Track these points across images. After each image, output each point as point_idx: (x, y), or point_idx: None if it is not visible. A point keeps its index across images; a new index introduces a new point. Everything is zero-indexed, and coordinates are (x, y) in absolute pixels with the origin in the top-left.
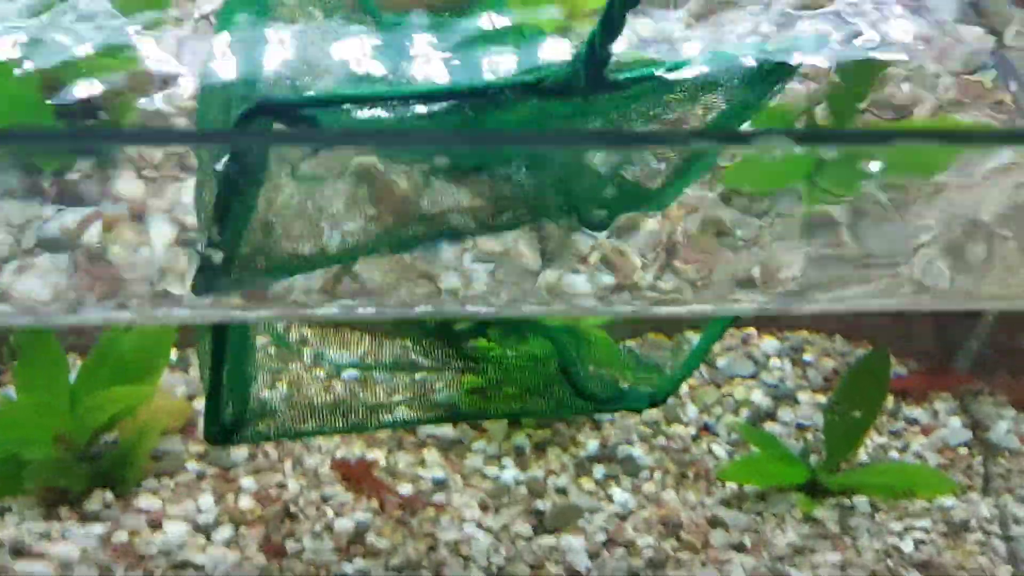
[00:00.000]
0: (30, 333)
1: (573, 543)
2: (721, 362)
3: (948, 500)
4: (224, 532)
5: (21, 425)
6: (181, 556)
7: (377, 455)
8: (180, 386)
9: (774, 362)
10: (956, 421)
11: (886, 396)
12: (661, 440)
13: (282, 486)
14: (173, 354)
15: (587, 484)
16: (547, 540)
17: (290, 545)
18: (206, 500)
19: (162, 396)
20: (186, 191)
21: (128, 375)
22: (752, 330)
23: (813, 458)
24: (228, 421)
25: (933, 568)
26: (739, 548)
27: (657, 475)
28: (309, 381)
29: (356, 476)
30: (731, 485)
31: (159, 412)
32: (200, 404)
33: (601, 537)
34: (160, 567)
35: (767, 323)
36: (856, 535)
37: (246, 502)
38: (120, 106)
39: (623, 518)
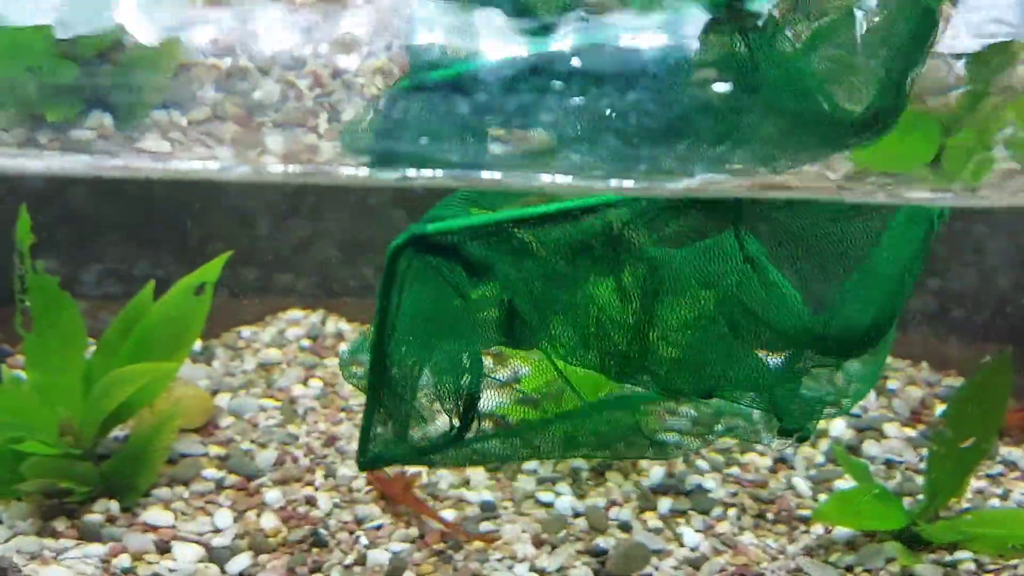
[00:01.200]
0: (48, 299)
1: None
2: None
3: None
4: (241, 562)
5: (24, 411)
6: None
7: (419, 469)
8: (202, 379)
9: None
10: None
11: (1001, 422)
12: (735, 471)
13: (311, 502)
14: (198, 344)
15: (652, 520)
16: None
17: None
18: (224, 517)
19: (184, 388)
20: None
21: (151, 352)
22: None
23: (906, 501)
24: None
25: None
26: None
27: (732, 513)
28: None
29: (394, 494)
30: (816, 529)
31: (180, 405)
32: (223, 400)
33: None
34: None
35: None
36: None
37: (269, 521)
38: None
39: (696, 566)
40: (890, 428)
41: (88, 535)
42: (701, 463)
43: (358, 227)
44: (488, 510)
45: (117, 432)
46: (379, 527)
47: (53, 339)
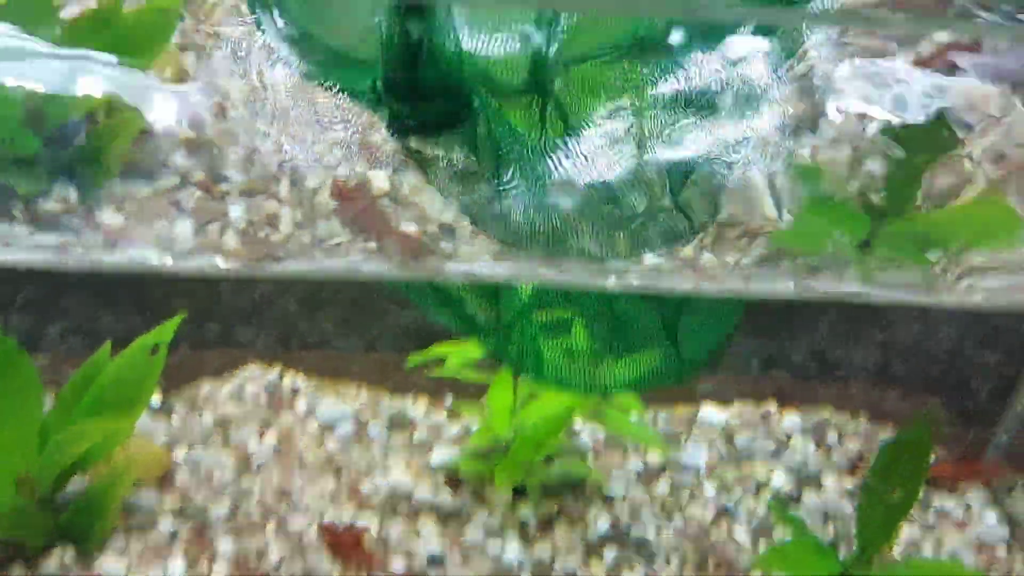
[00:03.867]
0: (3, 356)
1: None
2: (741, 439)
3: None
4: None
5: None
6: None
7: (369, 522)
8: (161, 435)
9: (796, 441)
10: (991, 515)
11: (926, 474)
12: (678, 522)
13: (262, 553)
14: (156, 399)
15: (597, 569)
16: None
17: None
18: (176, 565)
19: (140, 442)
20: None
21: (107, 409)
22: (772, 407)
23: (843, 550)
24: None
25: None
26: None
27: (674, 561)
28: None
29: (345, 546)
30: None
31: (135, 458)
32: (180, 454)
33: None
34: None
35: (787, 399)
36: None
37: (221, 569)
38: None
39: None
40: (828, 480)
41: None
42: (645, 513)
43: (318, 284)
44: (436, 563)
45: (76, 484)
46: None
47: (9, 395)
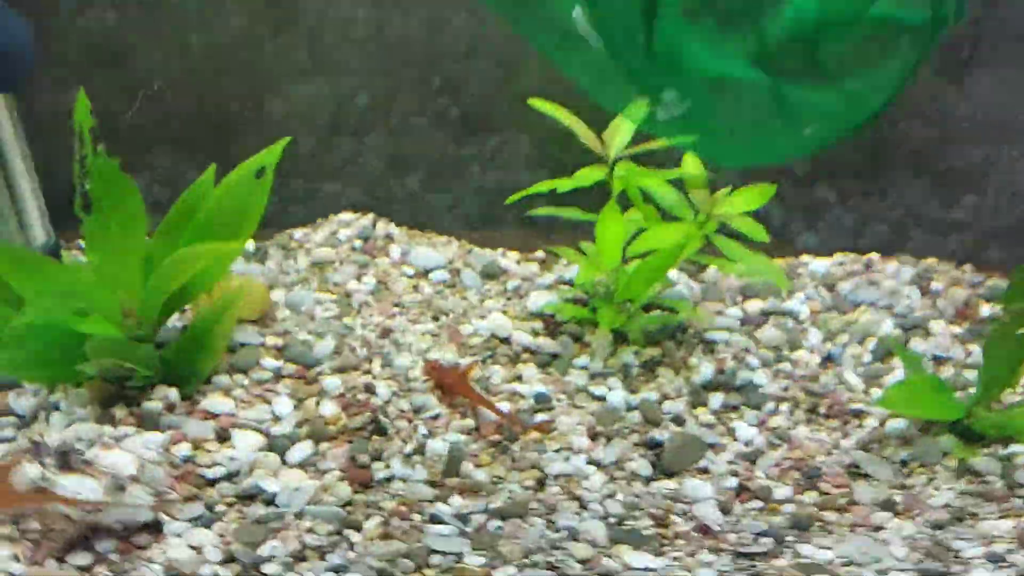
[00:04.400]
0: (109, 181)
1: (700, 490)
2: (844, 287)
3: None
4: (302, 450)
5: (86, 294)
6: (250, 481)
7: (476, 366)
8: (257, 277)
9: (901, 289)
10: None
11: None
12: (786, 366)
13: (370, 390)
14: (251, 244)
15: (704, 415)
16: (667, 484)
17: (378, 471)
18: (283, 405)
19: (241, 279)
20: None
21: (212, 235)
22: (875, 255)
23: (958, 395)
24: None
25: None
26: (889, 508)
27: (784, 407)
28: None
29: (450, 384)
30: (869, 423)
31: (240, 292)
32: (278, 295)
33: (730, 483)
34: (226, 496)
35: (889, 248)
36: None
37: (329, 408)
38: None
39: (752, 460)
40: (936, 326)
41: (147, 423)
42: (751, 359)
43: (401, 144)
44: (542, 401)
45: (175, 322)
46: (436, 417)
47: (114, 221)
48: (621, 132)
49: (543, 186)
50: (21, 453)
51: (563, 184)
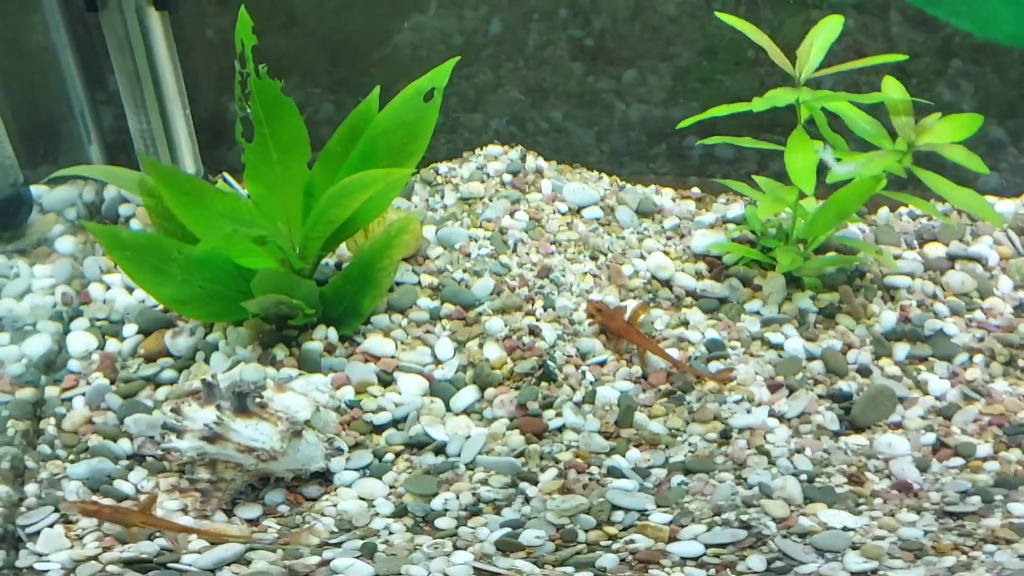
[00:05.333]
0: (269, 104)
1: (896, 445)
2: None
3: None
4: (467, 396)
5: (248, 226)
6: (418, 428)
7: (648, 307)
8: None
9: None
10: None
11: None
12: (979, 315)
13: (535, 333)
14: None
15: (889, 367)
16: (856, 440)
17: (549, 419)
18: (444, 347)
19: (395, 214)
20: None
21: (378, 163)
22: None
23: None
24: None
25: None
26: None
27: (979, 359)
28: None
29: (616, 328)
30: None
31: (403, 225)
32: (428, 232)
33: (928, 438)
34: (393, 444)
35: None
36: None
37: (493, 351)
38: None
39: (947, 416)
40: None
41: (308, 364)
42: (939, 307)
43: (539, 76)
44: (716, 349)
45: (328, 260)
46: (603, 363)
47: (274, 148)
48: (814, 51)
49: (720, 110)
50: (187, 395)
51: (756, 104)
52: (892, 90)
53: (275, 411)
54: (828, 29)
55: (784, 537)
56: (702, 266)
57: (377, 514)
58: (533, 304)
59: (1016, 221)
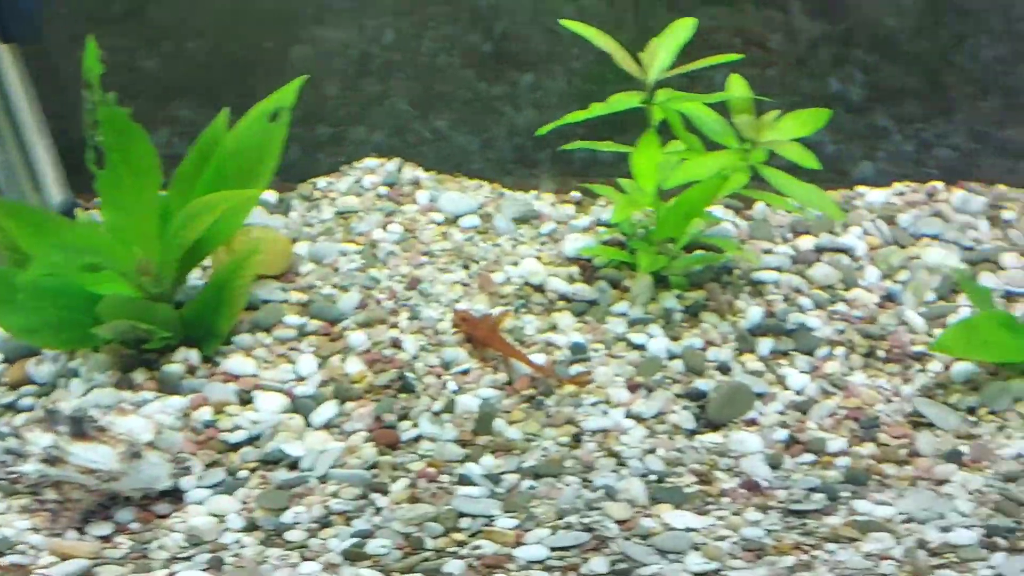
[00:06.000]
0: (119, 131)
1: (748, 443)
2: (903, 219)
3: None
4: (327, 410)
5: (99, 251)
6: (273, 445)
7: (508, 315)
8: (280, 230)
9: (968, 219)
10: None
11: None
12: (841, 307)
13: (397, 345)
14: (273, 195)
15: (752, 363)
16: (712, 438)
17: (405, 430)
18: (307, 363)
19: (262, 232)
20: None
21: (229, 183)
22: (939, 183)
23: None
24: None
25: None
26: (955, 459)
27: (839, 352)
28: None
29: (481, 336)
30: (933, 367)
31: (258, 248)
32: (302, 248)
33: (781, 435)
34: (248, 461)
35: (954, 175)
36: None
37: (354, 365)
38: None
39: (803, 410)
40: (1008, 258)
41: (168, 386)
42: (803, 300)
43: (430, 84)
44: (579, 352)
45: (195, 280)
46: (467, 371)
47: (126, 174)
48: (661, 53)
49: (575, 116)
50: (36, 422)
51: (596, 109)
52: (736, 88)
53: (116, 434)
54: (680, 31)
55: (626, 539)
56: (575, 270)
57: (227, 529)
58: (398, 316)
59: (886, 210)
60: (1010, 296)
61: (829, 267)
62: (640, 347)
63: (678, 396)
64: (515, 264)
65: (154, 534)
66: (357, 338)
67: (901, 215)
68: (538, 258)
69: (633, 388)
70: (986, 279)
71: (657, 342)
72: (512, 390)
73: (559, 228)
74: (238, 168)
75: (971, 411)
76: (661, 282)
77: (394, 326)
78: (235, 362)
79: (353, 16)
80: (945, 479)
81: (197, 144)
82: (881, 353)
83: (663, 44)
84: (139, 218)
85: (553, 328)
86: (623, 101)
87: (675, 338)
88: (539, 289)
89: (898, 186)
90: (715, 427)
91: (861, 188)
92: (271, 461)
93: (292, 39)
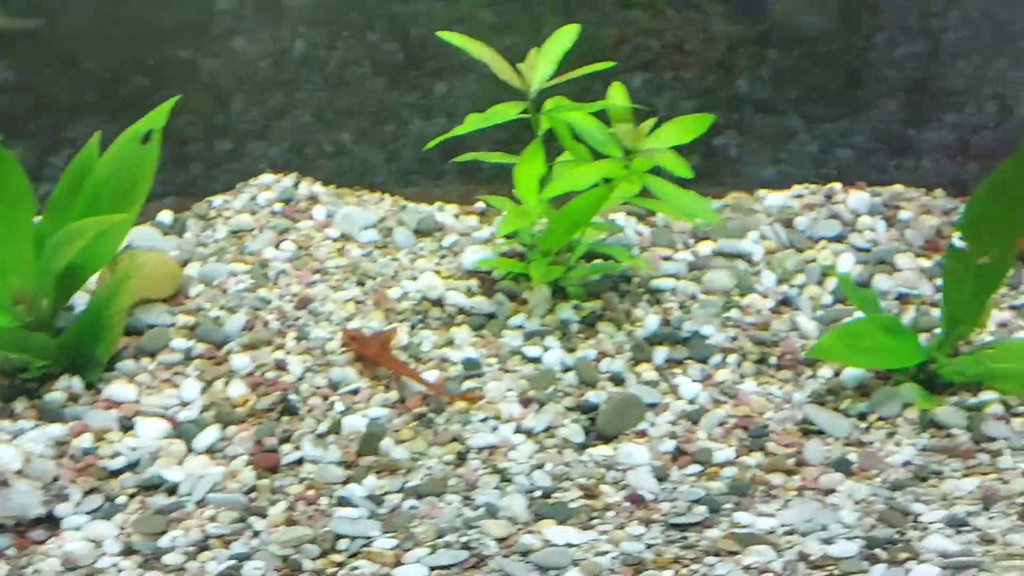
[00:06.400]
0: None
1: (635, 455)
2: (801, 222)
3: None
4: (208, 436)
5: None
6: (152, 471)
7: (399, 331)
8: (173, 251)
9: (864, 221)
10: None
11: None
12: (735, 313)
13: (281, 367)
14: (168, 216)
15: (647, 372)
16: (602, 451)
17: (287, 454)
18: (191, 388)
19: (149, 256)
20: None
21: (103, 208)
22: (837, 184)
23: (923, 337)
24: None
25: None
26: (843, 468)
27: (732, 359)
28: None
29: (372, 355)
30: (824, 373)
31: (144, 272)
32: (194, 269)
33: (668, 446)
34: (127, 487)
35: (854, 175)
36: (993, 450)
37: (237, 389)
38: None
39: (694, 420)
40: (902, 260)
41: (48, 415)
42: (698, 308)
43: (337, 96)
44: (471, 367)
45: (78, 307)
46: (356, 391)
47: None
48: (543, 63)
49: (458, 130)
50: None
51: (472, 122)
52: (616, 96)
53: None
54: (561, 39)
55: (505, 556)
56: (474, 283)
57: (104, 553)
58: (285, 337)
59: (785, 213)
60: (904, 298)
61: (724, 272)
62: (535, 360)
63: (569, 409)
64: (413, 279)
65: (30, 559)
66: (241, 361)
67: (799, 218)
68: (437, 272)
69: (525, 402)
70: (881, 281)
71: (552, 354)
72: (404, 408)
73: (461, 240)
74: (111, 192)
75: (862, 417)
76: (560, 293)
77: (280, 347)
78: (117, 388)
79: (265, 27)
80: (831, 488)
81: (69, 169)
82: (773, 360)
83: (544, 53)
84: (12, 247)
85: (450, 343)
86: (502, 113)
87: (571, 350)
88: (438, 304)
89: (797, 188)
90: (606, 440)
91: (762, 191)
92: (150, 486)
93: (203, 52)
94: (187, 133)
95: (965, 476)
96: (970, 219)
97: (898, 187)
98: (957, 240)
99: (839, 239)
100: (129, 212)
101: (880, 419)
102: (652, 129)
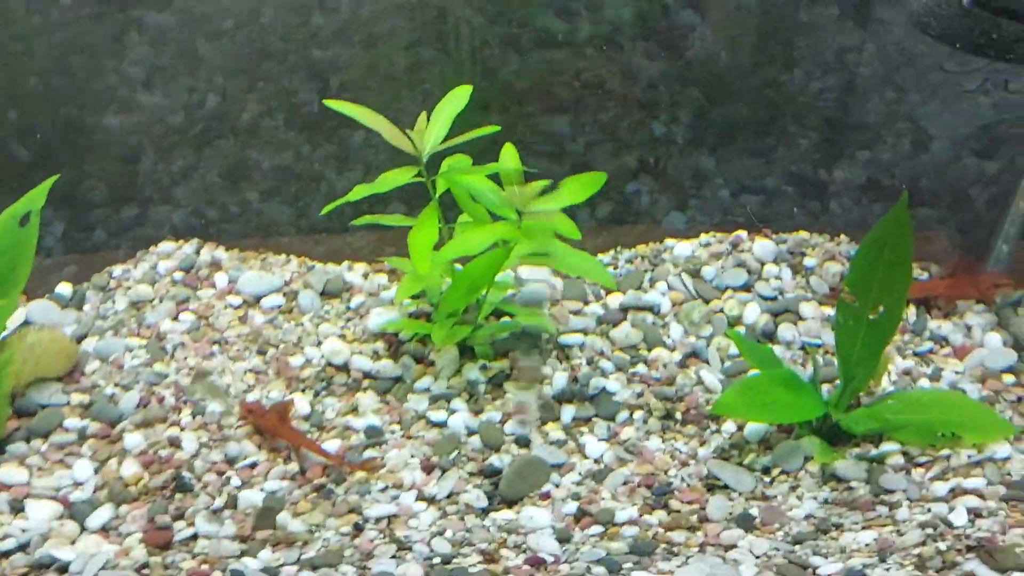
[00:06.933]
0: None
1: (537, 518)
2: (708, 271)
3: (1002, 447)
4: (102, 515)
5: None
6: (44, 551)
7: (301, 399)
8: (71, 325)
9: (770, 269)
10: (995, 339)
11: (911, 278)
12: (641, 369)
13: (175, 443)
14: (67, 288)
15: (555, 432)
16: (505, 515)
17: (180, 530)
18: (84, 468)
19: (43, 334)
20: None
21: None
22: (742, 232)
23: (826, 389)
24: None
25: (997, 552)
26: (745, 523)
27: (638, 416)
28: None
29: (270, 427)
30: (728, 428)
31: (37, 351)
32: (91, 344)
33: (571, 507)
34: (17, 567)
35: (763, 221)
36: (892, 502)
37: (129, 468)
38: None
39: (599, 479)
40: (807, 308)
41: None
42: (605, 363)
43: (247, 152)
44: (374, 435)
45: None
46: (254, 465)
47: None
48: (436, 125)
49: (350, 196)
50: None
51: (360, 191)
52: (507, 159)
53: None
54: (453, 102)
55: None
56: (380, 345)
57: None
58: (180, 413)
59: (691, 263)
60: (807, 347)
61: (630, 327)
62: (440, 424)
63: (472, 475)
64: (318, 344)
65: None
66: (133, 439)
67: (706, 267)
68: (343, 336)
69: (428, 469)
70: (786, 330)
71: (457, 417)
72: (304, 480)
73: (368, 301)
74: None
75: (766, 471)
76: (468, 352)
77: (175, 424)
78: (7, 472)
79: (178, 79)
80: (732, 544)
81: None
82: (679, 415)
83: (437, 116)
84: None
85: (354, 411)
86: (393, 179)
87: (477, 412)
88: (343, 369)
89: (704, 237)
90: (509, 504)
91: (670, 240)
92: (41, 566)
93: (115, 106)
94: (90, 198)
95: (864, 528)
96: (856, 275)
97: (803, 234)
98: (845, 295)
99: (746, 288)
100: (9, 297)
101: (783, 473)
102: (546, 190)
